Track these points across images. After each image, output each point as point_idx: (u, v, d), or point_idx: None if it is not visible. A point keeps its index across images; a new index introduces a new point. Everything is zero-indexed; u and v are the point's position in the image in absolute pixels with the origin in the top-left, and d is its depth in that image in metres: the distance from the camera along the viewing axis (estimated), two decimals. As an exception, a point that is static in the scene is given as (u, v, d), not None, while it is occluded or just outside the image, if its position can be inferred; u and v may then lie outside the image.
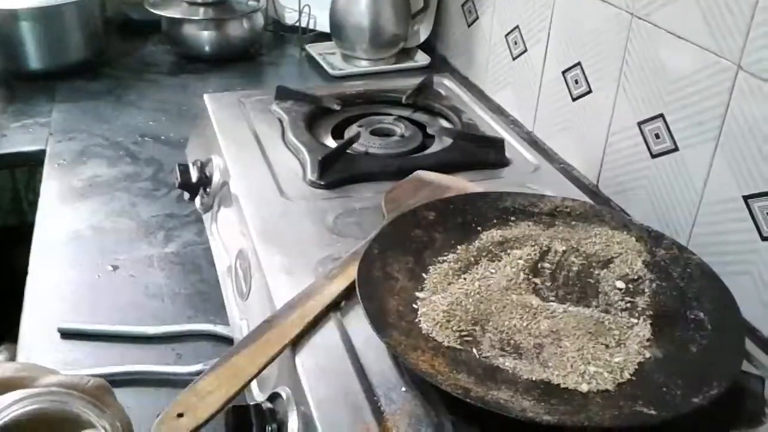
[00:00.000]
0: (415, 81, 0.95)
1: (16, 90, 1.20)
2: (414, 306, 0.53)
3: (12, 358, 0.92)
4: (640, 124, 0.82)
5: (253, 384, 0.57)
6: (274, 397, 0.51)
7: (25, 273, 0.78)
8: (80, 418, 0.37)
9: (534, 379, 0.48)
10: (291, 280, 0.58)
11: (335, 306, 0.55)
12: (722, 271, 0.57)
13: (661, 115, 0.78)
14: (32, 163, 1.03)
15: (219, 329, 0.69)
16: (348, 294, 0.56)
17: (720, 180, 0.71)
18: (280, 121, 0.86)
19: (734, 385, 0.46)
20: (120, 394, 0.63)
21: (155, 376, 0.64)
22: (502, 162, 0.79)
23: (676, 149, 0.77)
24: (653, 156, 0.80)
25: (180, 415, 0.44)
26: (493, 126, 0.88)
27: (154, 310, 0.73)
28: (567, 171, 0.93)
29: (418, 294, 0.54)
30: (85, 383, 0.39)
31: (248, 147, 0.80)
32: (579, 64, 0.92)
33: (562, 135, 0.98)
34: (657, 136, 0.79)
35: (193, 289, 0.76)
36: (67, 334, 0.69)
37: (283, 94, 0.90)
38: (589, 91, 0.91)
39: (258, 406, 0.49)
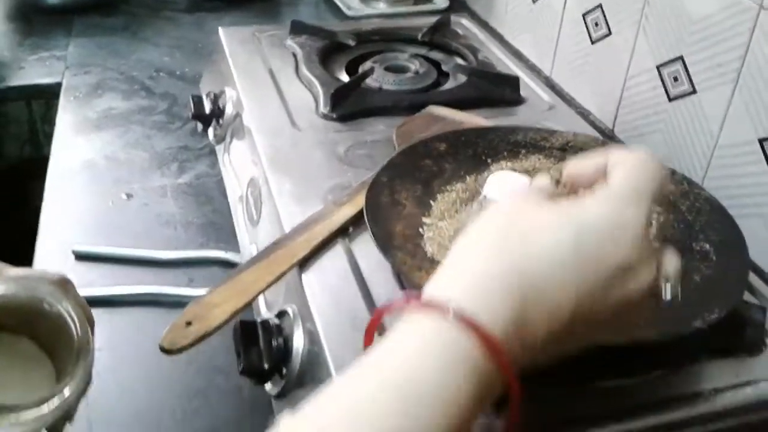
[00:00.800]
0: (432, 20, 0.94)
1: (34, 24, 1.20)
2: (420, 231, 0.53)
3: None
4: (659, 66, 0.80)
5: (262, 305, 0.58)
6: (281, 315, 0.52)
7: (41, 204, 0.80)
8: (44, 304, 0.39)
9: (536, 302, 0.48)
10: (300, 207, 0.59)
11: (343, 231, 0.56)
12: (735, 214, 0.56)
13: (681, 58, 0.77)
14: (48, 96, 1.04)
15: (229, 256, 0.70)
16: (356, 221, 0.56)
17: (736, 123, 0.70)
18: (294, 56, 0.85)
19: (736, 313, 0.46)
20: (132, 312, 0.65)
21: (167, 298, 0.66)
22: (517, 100, 0.78)
23: (693, 92, 0.75)
24: (671, 99, 0.79)
25: (188, 324, 0.45)
26: (509, 65, 0.87)
27: (167, 238, 0.74)
28: (583, 114, 0.92)
29: (424, 219, 0.54)
30: (48, 274, 0.42)
31: (261, 80, 0.80)
32: (600, 5, 0.90)
33: (580, 79, 0.96)
34: (675, 78, 0.78)
35: (205, 219, 0.77)
36: (81, 257, 0.70)
37: (297, 28, 0.90)
38: (609, 34, 0.89)
39: (265, 321, 0.51)
